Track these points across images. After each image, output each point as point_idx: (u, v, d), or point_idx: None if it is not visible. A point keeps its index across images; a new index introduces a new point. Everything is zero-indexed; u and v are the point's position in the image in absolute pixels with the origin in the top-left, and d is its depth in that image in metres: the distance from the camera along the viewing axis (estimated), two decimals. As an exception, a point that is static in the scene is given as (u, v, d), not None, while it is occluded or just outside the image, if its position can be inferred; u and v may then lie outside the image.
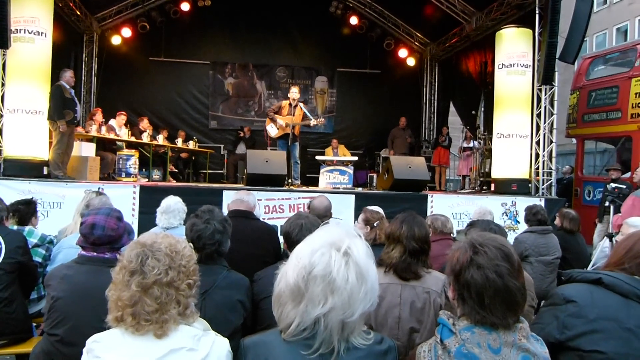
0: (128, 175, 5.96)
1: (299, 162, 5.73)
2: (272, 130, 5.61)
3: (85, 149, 5.45)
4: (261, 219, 3.61)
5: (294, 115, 5.49)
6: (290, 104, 5.62)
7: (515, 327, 1.03)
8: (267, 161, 4.86)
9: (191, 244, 1.19)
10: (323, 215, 2.55)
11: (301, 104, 5.67)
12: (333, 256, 0.88)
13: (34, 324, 2.22)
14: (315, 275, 0.87)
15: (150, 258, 1.09)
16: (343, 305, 0.86)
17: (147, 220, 3.79)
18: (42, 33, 4.85)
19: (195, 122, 9.02)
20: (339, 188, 5.66)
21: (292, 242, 1.83)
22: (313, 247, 0.90)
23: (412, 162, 5.39)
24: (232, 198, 2.72)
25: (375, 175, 7.81)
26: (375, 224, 2.32)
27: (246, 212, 2.57)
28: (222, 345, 1.08)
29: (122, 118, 6.54)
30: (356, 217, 2.84)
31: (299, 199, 4.57)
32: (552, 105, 5.85)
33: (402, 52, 8.98)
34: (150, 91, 8.71)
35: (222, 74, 9.21)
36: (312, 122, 5.47)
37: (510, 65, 5.82)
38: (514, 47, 5.81)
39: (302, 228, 1.83)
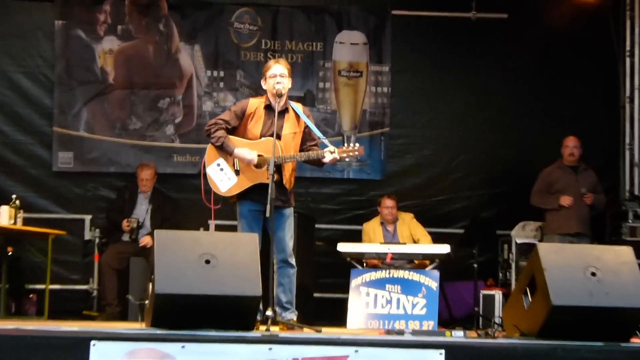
0: None
1: (294, 263, 6.03)
2: (223, 181, 5.91)
3: None
4: None
5: (279, 138, 5.79)
6: (267, 106, 5.96)
7: None
8: (208, 261, 4.91)
9: None
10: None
11: (295, 106, 6.05)
12: None
13: None
14: None
15: None
16: None
17: None
18: None
19: (20, 157, 9.37)
20: (402, 332, 5.80)
21: None
22: None
23: (599, 259, 5.25)
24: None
25: (498, 295, 8.10)
26: None
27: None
28: None
29: None
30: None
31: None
32: None
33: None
34: None
35: (88, 29, 9.45)
36: (330, 152, 5.76)
37: None
38: None
39: None
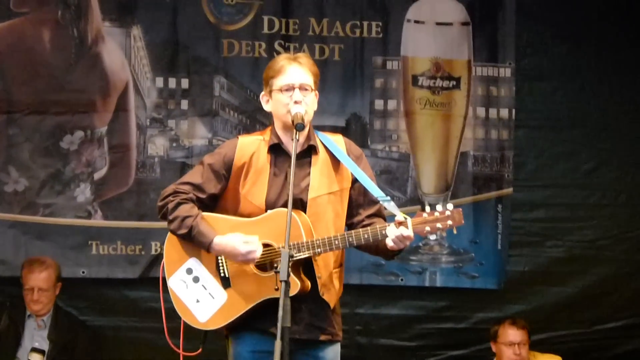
0: None
1: None
2: (202, 302, 5.63)
3: None
4: None
5: (303, 208, 5.33)
6: (275, 147, 5.46)
7: None
8: None
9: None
10: None
11: (329, 141, 5.62)
12: None
13: None
14: None
15: None
16: None
17: None
18: None
19: None
20: None
21: None
22: None
23: None
24: None
25: None
26: None
27: None
28: None
29: None
30: None
31: None
32: None
33: None
34: None
35: None
36: (397, 225, 5.05)
37: None
38: None
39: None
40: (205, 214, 5.09)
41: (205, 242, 4.99)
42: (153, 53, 8.22)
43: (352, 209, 5.18)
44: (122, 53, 8.21)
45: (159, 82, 8.23)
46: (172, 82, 8.25)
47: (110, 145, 8.18)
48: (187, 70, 8.28)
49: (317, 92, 5.09)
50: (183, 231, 5.04)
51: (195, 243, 5.09)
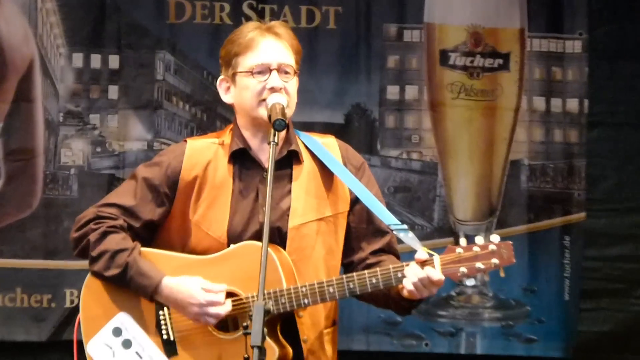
0: None
1: None
2: None
3: None
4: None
5: (282, 241, 5.05)
6: (238, 154, 5.05)
7: None
8: None
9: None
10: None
11: (318, 145, 5.38)
12: None
13: None
14: None
15: None
16: None
17: None
18: None
19: None
20: None
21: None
22: None
23: None
24: None
25: None
26: None
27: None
28: None
29: None
30: None
31: None
32: None
33: None
34: None
35: None
36: (419, 263, 4.86)
37: None
38: None
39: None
40: (143, 250, 4.21)
41: (149, 286, 4.16)
42: (69, 19, 6.99)
43: (351, 241, 4.28)
44: (24, 19, 7.07)
45: (77, 60, 7.07)
46: (95, 61, 7.06)
47: (7, 151, 7.02)
48: (117, 43, 7.06)
49: (296, 76, 4.25)
50: (114, 272, 4.24)
51: (132, 288, 4.21)
